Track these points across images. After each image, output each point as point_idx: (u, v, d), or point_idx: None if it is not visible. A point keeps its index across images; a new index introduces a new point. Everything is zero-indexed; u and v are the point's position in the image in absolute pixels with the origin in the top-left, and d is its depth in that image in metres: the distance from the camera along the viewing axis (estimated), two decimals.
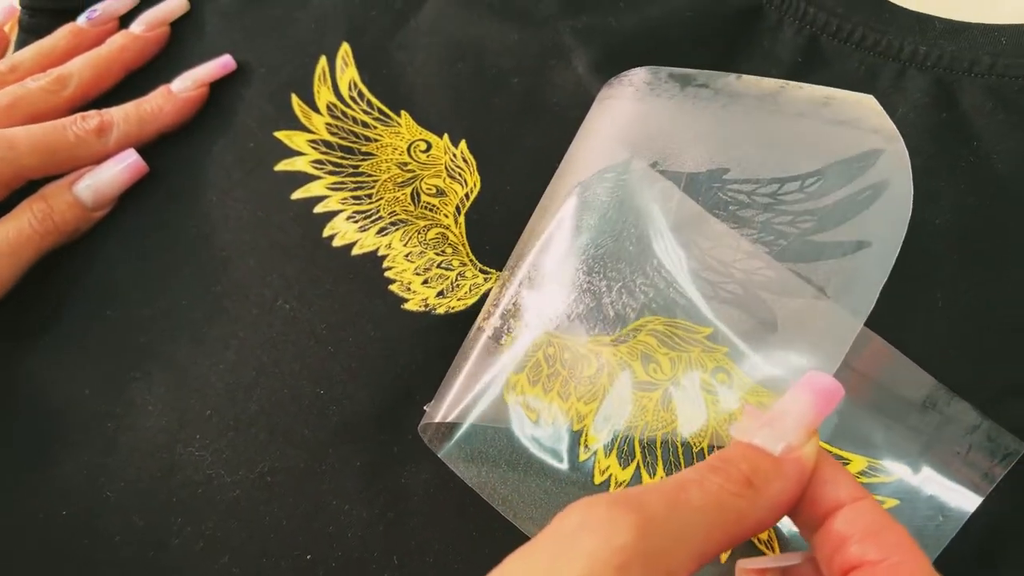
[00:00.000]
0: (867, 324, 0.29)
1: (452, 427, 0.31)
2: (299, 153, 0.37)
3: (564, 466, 0.30)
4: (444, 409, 0.30)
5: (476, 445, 0.30)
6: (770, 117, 0.32)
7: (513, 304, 0.31)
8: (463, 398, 0.30)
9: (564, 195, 0.32)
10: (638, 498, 0.20)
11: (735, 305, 0.30)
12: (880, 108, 0.31)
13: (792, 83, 0.32)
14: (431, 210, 0.35)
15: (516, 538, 0.29)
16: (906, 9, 0.35)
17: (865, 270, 0.29)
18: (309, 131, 0.37)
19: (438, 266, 0.34)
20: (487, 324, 0.31)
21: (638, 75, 0.34)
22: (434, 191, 0.36)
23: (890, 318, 0.30)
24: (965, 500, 0.28)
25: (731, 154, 0.32)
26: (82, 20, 0.40)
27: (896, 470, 0.29)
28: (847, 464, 0.29)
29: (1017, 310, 0.31)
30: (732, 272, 0.30)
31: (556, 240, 0.32)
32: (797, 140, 0.32)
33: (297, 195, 0.36)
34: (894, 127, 0.30)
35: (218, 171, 0.37)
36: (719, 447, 0.29)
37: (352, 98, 0.38)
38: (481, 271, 0.34)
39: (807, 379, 0.24)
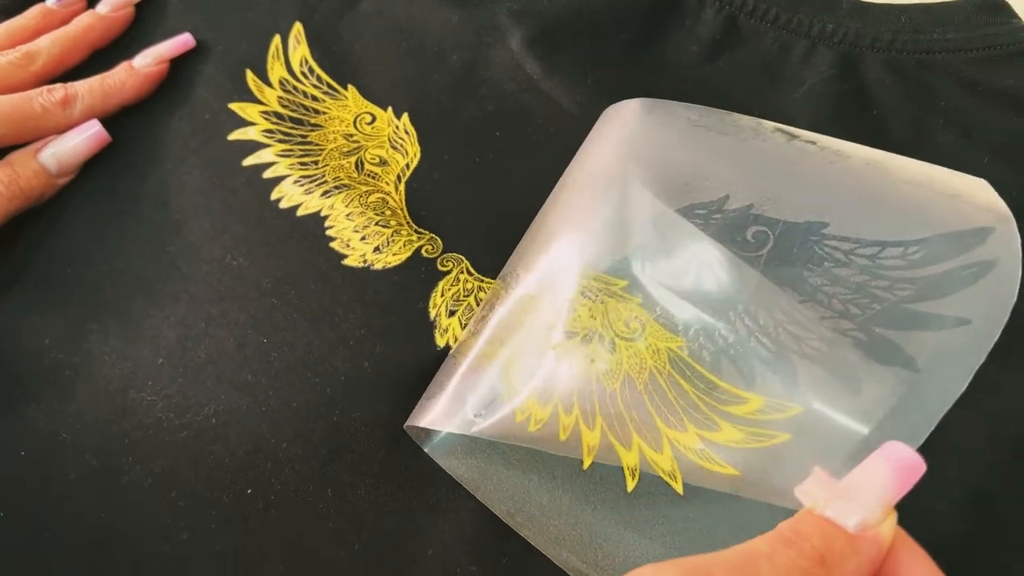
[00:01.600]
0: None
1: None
2: (251, 123, 0.39)
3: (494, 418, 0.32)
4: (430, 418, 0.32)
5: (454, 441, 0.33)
6: (878, 179, 0.31)
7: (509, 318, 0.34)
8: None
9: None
10: (708, 570, 0.20)
11: (819, 364, 0.30)
12: (992, 189, 0.30)
13: (900, 156, 0.32)
14: (373, 178, 0.38)
15: (442, 471, 0.32)
16: None
17: (962, 348, 0.28)
18: (262, 103, 0.40)
19: (376, 224, 0.36)
20: (481, 331, 0.33)
21: (744, 121, 0.34)
22: (377, 160, 0.38)
23: None
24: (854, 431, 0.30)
25: (833, 210, 0.30)
26: (51, 1, 0.42)
27: (788, 407, 0.31)
28: (744, 403, 0.31)
29: None
30: (820, 330, 0.29)
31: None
32: (904, 206, 0.30)
33: (248, 161, 0.38)
34: (1006, 207, 0.29)
35: (175, 140, 0.39)
36: (630, 392, 0.32)
37: (303, 73, 0.40)
38: (416, 231, 0.36)
39: (886, 450, 0.22)
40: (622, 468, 0.31)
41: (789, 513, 0.23)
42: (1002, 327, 0.27)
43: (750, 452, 0.30)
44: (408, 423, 0.32)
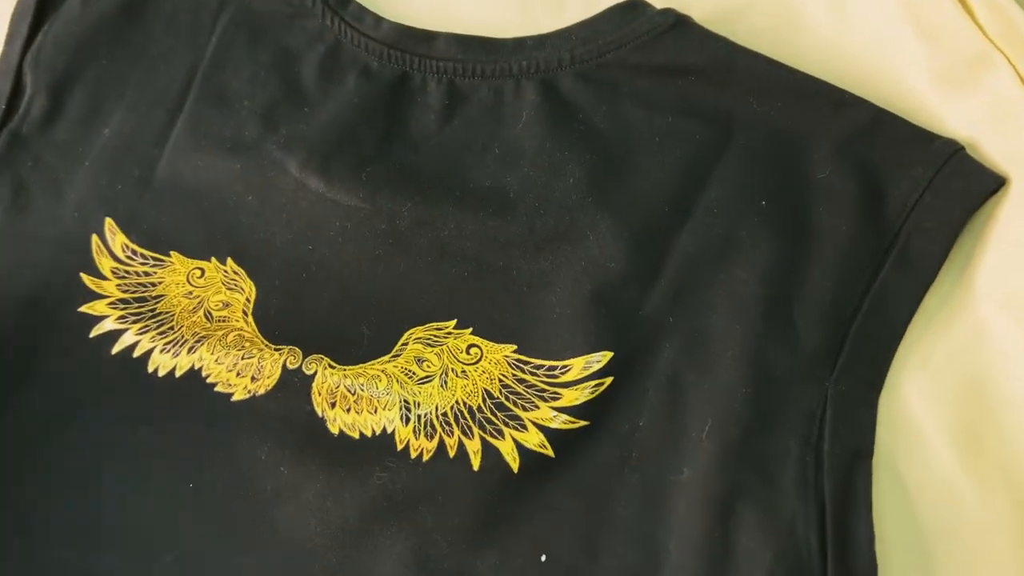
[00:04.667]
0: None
1: None
2: (104, 316, 0.45)
3: (393, 462, 0.40)
4: None
5: None
6: None
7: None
8: None
9: None
10: None
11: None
12: None
13: None
14: (223, 321, 0.44)
15: None
16: (501, 39, 0.47)
17: None
18: (105, 296, 0.46)
19: (243, 358, 0.43)
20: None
21: None
22: (220, 305, 0.45)
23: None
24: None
25: None
26: None
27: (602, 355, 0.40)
28: (570, 369, 0.40)
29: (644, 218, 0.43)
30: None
31: None
32: None
33: (116, 349, 0.44)
34: None
35: (45, 357, 0.45)
36: (490, 400, 0.40)
37: (128, 257, 0.47)
38: (275, 350, 0.43)
39: None
40: (503, 456, 0.39)
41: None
42: None
43: (591, 402, 0.39)
44: None
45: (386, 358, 0.42)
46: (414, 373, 0.42)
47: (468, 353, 0.42)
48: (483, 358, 0.42)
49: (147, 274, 0.46)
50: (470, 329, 0.42)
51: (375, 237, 0.44)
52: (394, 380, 0.42)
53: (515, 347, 0.42)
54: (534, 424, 0.40)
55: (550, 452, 0.39)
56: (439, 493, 0.39)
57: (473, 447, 0.40)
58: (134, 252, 0.47)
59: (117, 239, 0.47)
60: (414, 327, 0.43)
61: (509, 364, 0.41)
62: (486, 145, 0.46)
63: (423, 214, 0.44)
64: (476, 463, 0.39)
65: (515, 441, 0.39)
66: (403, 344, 0.43)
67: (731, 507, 0.37)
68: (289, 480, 0.40)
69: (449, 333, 0.43)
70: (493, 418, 0.40)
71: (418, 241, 0.44)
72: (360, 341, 0.43)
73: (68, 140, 0.50)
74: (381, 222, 0.44)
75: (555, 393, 0.40)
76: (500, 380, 0.41)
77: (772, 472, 0.37)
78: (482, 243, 0.43)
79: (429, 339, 0.43)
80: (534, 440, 0.39)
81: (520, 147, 0.45)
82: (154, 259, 0.46)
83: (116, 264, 0.46)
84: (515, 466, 0.39)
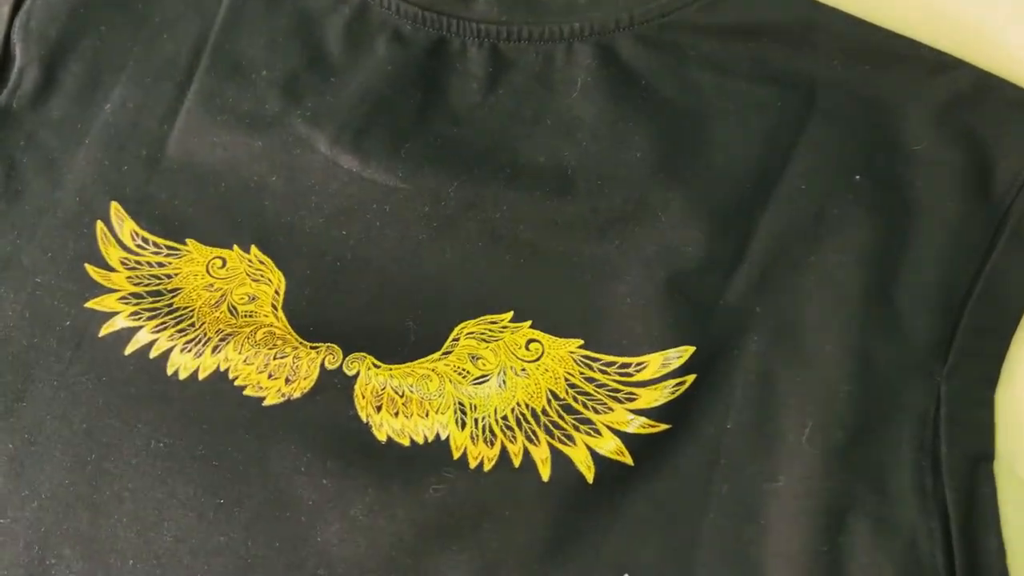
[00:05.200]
0: None
1: None
2: (115, 313, 0.40)
3: (450, 472, 0.36)
4: None
5: None
6: None
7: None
8: None
9: None
10: None
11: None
12: None
13: None
14: (250, 316, 0.40)
15: None
16: None
17: None
18: (114, 290, 0.41)
19: (274, 358, 0.38)
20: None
21: None
22: (246, 299, 0.40)
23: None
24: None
25: None
26: None
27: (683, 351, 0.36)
28: (646, 367, 0.36)
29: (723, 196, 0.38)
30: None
31: None
32: None
33: (129, 349, 0.40)
34: None
35: (45, 360, 0.40)
36: (556, 402, 0.36)
37: (139, 246, 0.42)
38: (312, 348, 0.39)
39: None
40: (576, 465, 0.35)
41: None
42: None
43: (672, 403, 0.35)
44: None
45: (436, 356, 0.38)
46: (468, 372, 0.38)
47: (528, 349, 0.38)
48: (545, 354, 0.37)
49: (161, 265, 0.41)
50: (529, 322, 0.38)
51: (418, 221, 0.40)
52: (446, 380, 0.37)
53: (581, 342, 0.37)
54: (609, 428, 0.35)
55: (628, 460, 0.35)
56: (505, 507, 0.35)
57: (540, 455, 0.36)
58: (145, 240, 0.42)
59: (125, 226, 0.42)
60: (465, 321, 0.38)
61: (575, 361, 0.37)
62: (537, 116, 0.41)
63: (471, 194, 0.40)
64: (545, 473, 0.35)
65: (589, 448, 0.35)
66: (454, 340, 0.38)
67: (840, 519, 0.33)
68: (333, 494, 0.36)
69: (505, 327, 0.38)
70: (561, 422, 0.36)
71: (466, 224, 0.40)
72: (406, 337, 0.39)
73: (65, 117, 0.44)
74: (424, 204, 0.40)
75: (630, 393, 0.36)
76: (566, 379, 0.37)
77: (885, 480, 0.33)
78: (539, 226, 0.39)
79: (483, 334, 0.38)
80: (610, 446, 0.35)
81: (576, 118, 0.40)
82: (168, 248, 0.42)
83: (125, 254, 0.42)
84: (590, 476, 0.35)
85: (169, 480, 0.37)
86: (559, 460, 0.35)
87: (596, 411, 0.36)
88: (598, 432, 0.35)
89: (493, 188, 0.39)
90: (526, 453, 0.36)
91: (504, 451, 0.36)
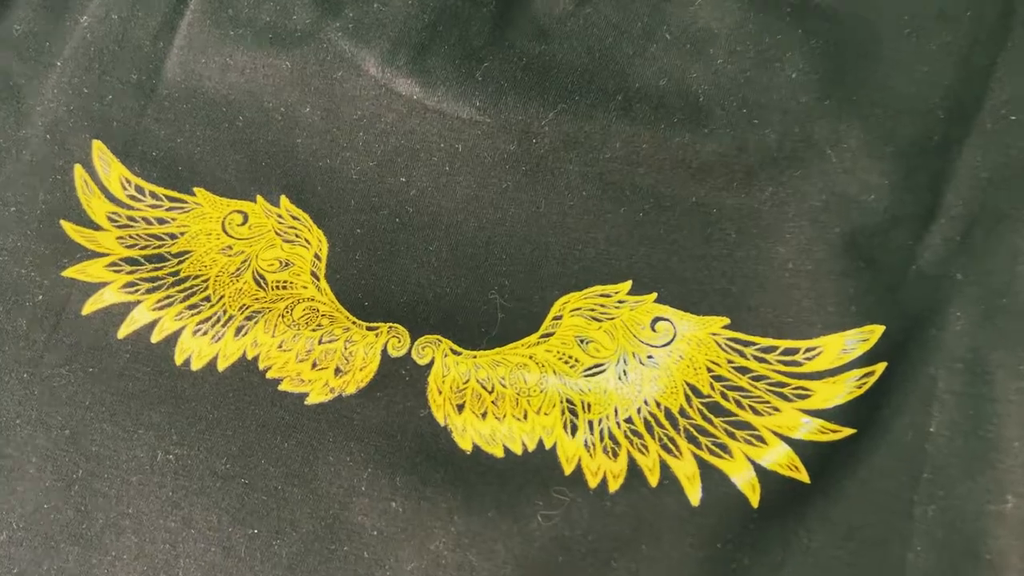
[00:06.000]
0: None
1: None
2: (103, 283, 0.31)
3: (563, 494, 0.27)
4: None
5: None
6: None
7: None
8: None
9: None
10: None
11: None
12: None
13: None
14: (284, 287, 0.31)
15: None
16: None
17: None
18: (101, 254, 0.31)
19: (319, 343, 0.29)
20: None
21: None
22: (277, 265, 0.31)
23: None
24: None
25: None
26: None
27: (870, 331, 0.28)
28: (822, 352, 0.28)
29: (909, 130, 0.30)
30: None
31: None
32: None
33: (123, 331, 0.30)
34: None
35: (14, 345, 0.31)
36: (699, 399, 0.27)
37: (132, 197, 0.32)
38: (368, 329, 0.30)
39: None
40: (735, 484, 0.27)
41: None
42: None
43: (858, 400, 0.27)
44: None
45: (533, 339, 0.29)
46: (577, 360, 0.29)
47: (654, 330, 0.29)
48: (678, 337, 0.29)
49: (162, 221, 0.32)
50: (654, 295, 0.29)
51: (501, 163, 0.31)
52: (549, 370, 0.29)
53: (727, 321, 0.29)
54: (775, 435, 0.27)
55: (804, 476, 0.27)
56: (642, 540, 0.27)
57: (684, 471, 0.27)
58: (140, 189, 0.32)
59: (113, 171, 0.33)
60: (569, 293, 0.30)
61: (720, 346, 0.28)
62: (649, 28, 0.32)
63: (571, 128, 0.31)
64: (694, 495, 0.27)
65: (750, 460, 0.27)
66: (555, 318, 0.30)
67: None
68: (405, 522, 0.28)
69: (623, 301, 0.29)
70: (708, 426, 0.27)
71: (565, 167, 0.31)
72: (491, 315, 0.30)
73: (28, 33, 0.36)
74: (509, 141, 0.31)
75: (801, 389, 0.28)
76: (709, 370, 0.28)
77: None
78: (664, 169, 0.30)
79: (594, 310, 0.29)
80: (779, 459, 0.27)
81: (704, 29, 0.32)
82: (171, 199, 0.32)
83: (114, 207, 0.32)
84: (755, 498, 0.27)
85: (184, 504, 0.29)
86: (711, 477, 0.27)
87: (756, 412, 0.27)
88: (761, 440, 0.27)
89: (601, 120, 0.31)
90: (664, 467, 0.27)
91: (633, 465, 0.27)
